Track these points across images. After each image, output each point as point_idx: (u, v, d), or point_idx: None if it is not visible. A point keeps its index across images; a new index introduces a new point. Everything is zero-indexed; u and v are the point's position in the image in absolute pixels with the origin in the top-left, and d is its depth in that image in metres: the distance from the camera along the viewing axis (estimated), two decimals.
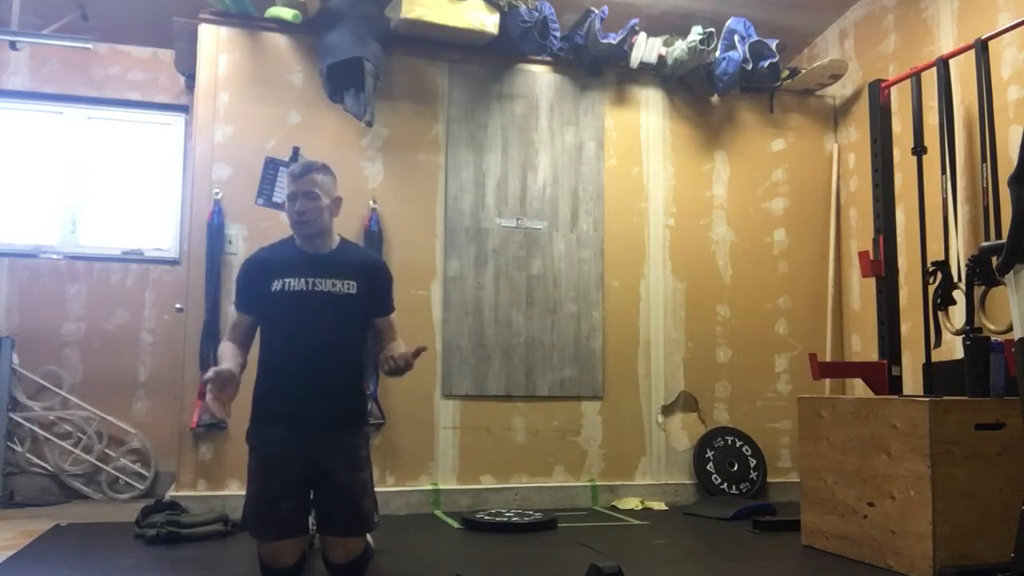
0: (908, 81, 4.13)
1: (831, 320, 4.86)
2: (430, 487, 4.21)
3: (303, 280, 2.70)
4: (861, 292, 4.76)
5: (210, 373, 2.52)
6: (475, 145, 4.50)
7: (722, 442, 4.64)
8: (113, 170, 4.99)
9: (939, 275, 3.68)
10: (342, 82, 4.13)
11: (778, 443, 4.77)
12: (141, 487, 4.67)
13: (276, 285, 2.69)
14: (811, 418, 3.41)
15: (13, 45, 4.55)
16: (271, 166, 4.20)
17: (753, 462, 4.65)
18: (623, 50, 4.60)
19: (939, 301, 3.67)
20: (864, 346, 4.72)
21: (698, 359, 4.71)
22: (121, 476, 4.67)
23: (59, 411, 4.66)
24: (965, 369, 3.16)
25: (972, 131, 3.93)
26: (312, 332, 2.67)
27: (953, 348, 3.77)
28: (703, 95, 4.85)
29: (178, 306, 4.23)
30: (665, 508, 4.42)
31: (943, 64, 3.93)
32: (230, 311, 4.06)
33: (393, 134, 4.38)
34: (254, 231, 4.15)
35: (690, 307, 4.73)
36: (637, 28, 4.62)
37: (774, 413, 4.78)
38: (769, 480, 4.68)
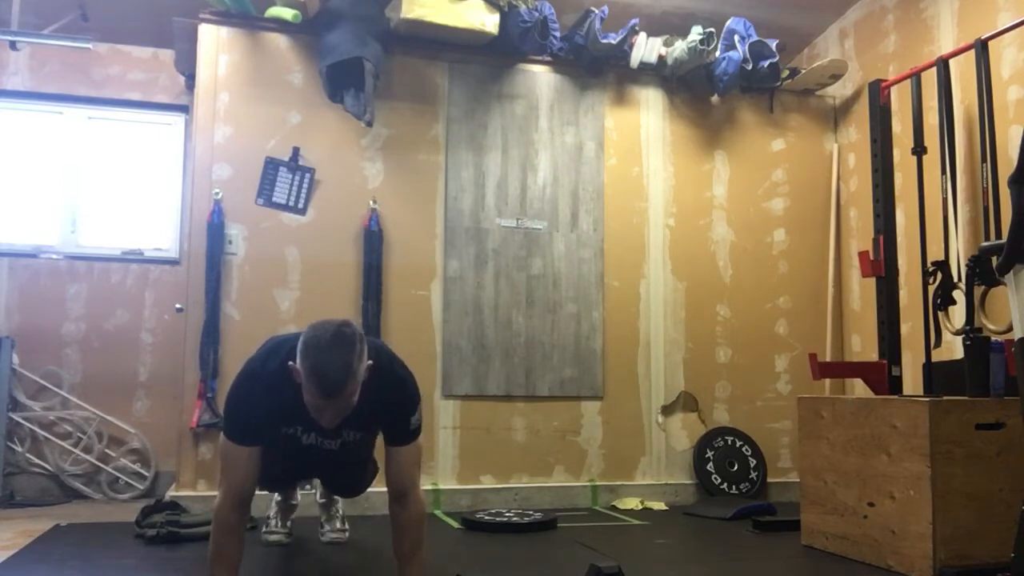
0: (908, 81, 4.13)
1: (831, 320, 4.86)
2: (430, 487, 4.21)
3: (313, 435, 2.49)
4: (861, 292, 4.76)
5: None
6: (475, 145, 4.50)
7: (722, 442, 4.64)
8: (113, 170, 4.99)
9: (939, 275, 3.68)
10: (342, 82, 4.13)
11: (778, 443, 4.77)
12: (141, 487, 4.67)
13: (285, 429, 2.46)
14: (811, 418, 3.41)
15: (13, 45, 4.55)
16: (271, 166, 4.20)
17: (753, 462, 4.65)
18: (623, 50, 4.60)
19: (939, 301, 3.67)
20: (864, 346, 4.72)
21: (698, 359, 4.71)
22: (121, 476, 4.67)
23: (59, 411, 4.65)
24: (965, 369, 3.16)
25: (972, 131, 3.93)
26: (316, 469, 2.74)
27: (953, 348, 3.77)
28: (703, 95, 4.85)
29: (178, 306, 4.24)
30: (665, 508, 4.42)
31: (943, 64, 3.93)
32: (229, 312, 4.09)
33: (393, 134, 4.38)
34: (254, 231, 4.16)
35: (690, 307, 4.73)
36: (637, 28, 4.62)
37: (774, 413, 4.78)
38: (769, 480, 4.68)
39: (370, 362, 2.25)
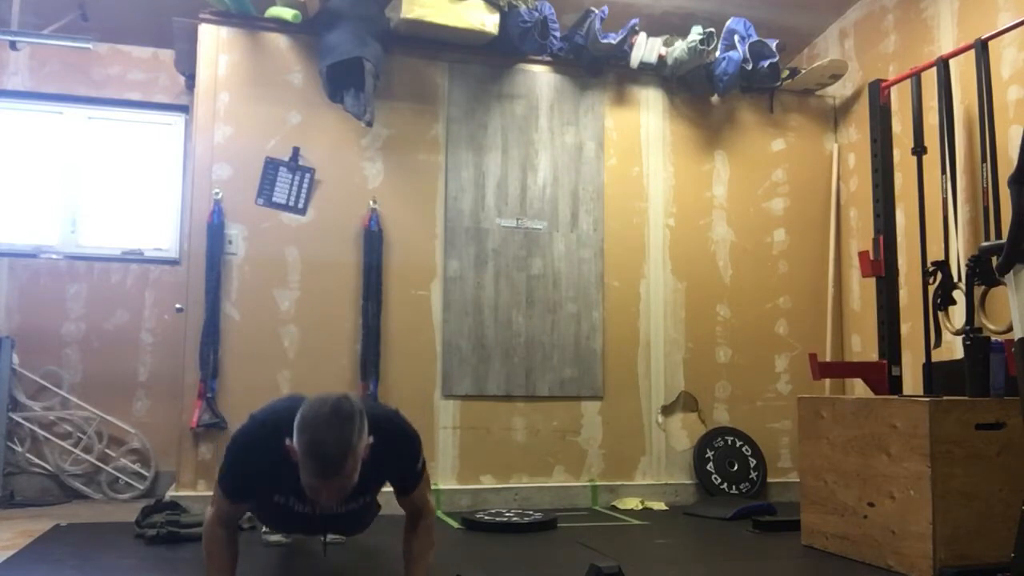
0: (908, 81, 4.13)
1: (831, 320, 4.86)
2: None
3: (309, 505, 2.32)
4: (861, 292, 4.76)
5: None
6: (475, 145, 4.50)
7: (722, 442, 4.64)
8: (113, 170, 4.99)
9: (939, 275, 3.68)
10: (342, 82, 4.13)
11: (778, 443, 4.77)
12: (141, 487, 4.67)
13: (278, 497, 2.37)
14: (811, 418, 3.41)
15: (13, 45, 4.55)
16: (271, 166, 4.20)
17: (753, 462, 4.65)
18: (623, 50, 4.60)
19: (939, 301, 3.67)
20: (864, 346, 4.72)
21: (698, 359, 4.71)
22: (121, 476, 4.67)
23: (59, 411, 4.65)
24: (965, 369, 3.16)
25: (972, 131, 3.93)
26: (317, 529, 2.63)
27: (953, 348, 3.77)
28: (703, 95, 4.85)
29: (178, 306, 4.24)
30: (665, 508, 4.42)
31: (943, 64, 3.93)
32: (229, 312, 4.09)
33: (393, 134, 4.38)
34: (254, 231, 4.16)
35: (690, 307, 4.73)
36: (637, 28, 4.62)
37: (774, 413, 4.78)
38: (769, 480, 4.68)
39: (371, 439, 2.13)
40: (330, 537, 3.29)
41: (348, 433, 2.03)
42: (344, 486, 2.08)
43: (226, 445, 2.36)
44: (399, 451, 2.34)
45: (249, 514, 3.35)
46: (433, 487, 4.21)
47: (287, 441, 2.09)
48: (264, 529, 3.36)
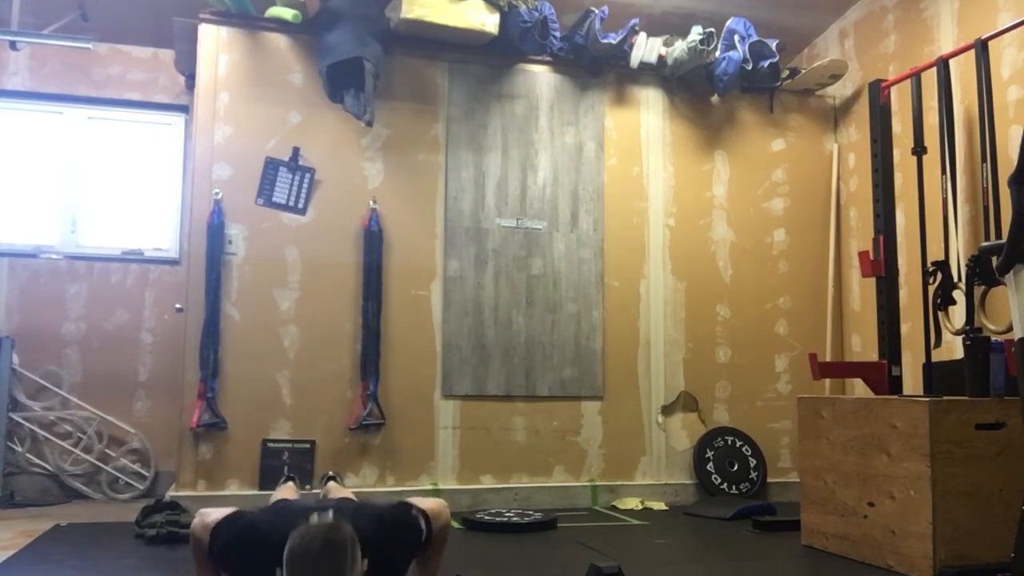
0: (908, 81, 4.13)
1: (831, 320, 4.86)
2: (430, 487, 4.21)
3: None
4: (861, 292, 4.76)
5: None
6: (475, 145, 4.50)
7: (722, 442, 4.64)
8: (113, 170, 4.99)
9: (939, 275, 3.68)
10: (342, 82, 4.13)
11: (778, 443, 4.77)
12: (141, 487, 4.67)
13: None
14: (811, 418, 3.41)
15: (13, 45, 4.55)
16: (271, 166, 4.20)
17: (753, 462, 4.65)
18: (623, 50, 4.60)
19: (939, 301, 3.67)
20: (864, 346, 4.72)
21: (698, 359, 4.71)
22: (121, 476, 4.67)
23: (59, 411, 4.65)
24: (965, 369, 3.16)
25: (972, 131, 3.93)
26: None
27: (953, 348, 3.77)
28: (703, 95, 4.85)
29: (178, 306, 4.24)
30: (665, 508, 4.42)
31: (943, 64, 3.92)
32: (229, 312, 4.09)
33: (393, 134, 4.38)
34: (254, 231, 4.16)
35: (690, 307, 4.73)
36: (637, 28, 4.62)
37: (774, 413, 4.78)
38: (769, 480, 4.68)
39: (365, 563, 2.01)
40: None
41: (342, 566, 1.92)
42: None
43: (231, 523, 2.20)
44: (403, 545, 2.28)
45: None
46: (433, 487, 4.21)
47: (278, 573, 1.98)
48: None
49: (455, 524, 3.82)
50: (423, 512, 2.35)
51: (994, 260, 2.61)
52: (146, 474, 4.71)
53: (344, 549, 1.94)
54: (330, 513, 2.05)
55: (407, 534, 2.31)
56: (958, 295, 3.63)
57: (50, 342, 4.71)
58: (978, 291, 3.45)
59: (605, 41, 4.48)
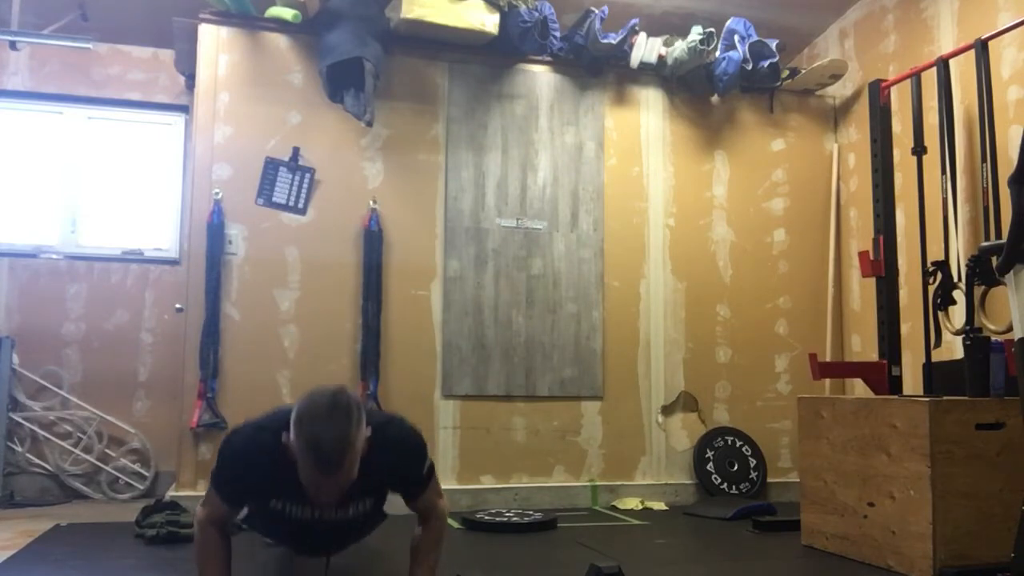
0: (908, 81, 4.13)
1: (831, 320, 4.86)
2: None
3: (308, 509, 2.28)
4: (861, 292, 4.76)
5: None
6: (475, 145, 4.50)
7: (722, 442, 4.64)
8: (113, 170, 4.99)
9: (939, 275, 3.68)
10: (342, 82, 4.13)
11: (778, 443, 4.77)
12: (141, 487, 4.67)
13: (275, 503, 2.29)
14: (811, 418, 3.41)
15: (13, 45, 4.55)
16: (271, 166, 4.20)
17: (753, 462, 4.65)
18: (623, 50, 4.60)
19: (939, 301, 3.67)
20: (864, 346, 4.72)
21: (698, 359, 4.71)
22: (121, 476, 4.67)
23: (59, 411, 4.65)
24: (965, 369, 3.16)
25: (972, 131, 3.93)
26: (318, 547, 2.50)
27: (953, 348, 3.77)
28: (703, 95, 4.85)
29: (178, 306, 4.24)
30: (665, 508, 4.42)
31: (943, 64, 3.92)
32: (229, 312, 4.09)
33: (393, 134, 4.38)
34: (254, 231, 4.16)
35: (690, 307, 4.73)
36: (637, 28, 4.62)
37: (774, 413, 4.78)
38: (769, 480, 4.68)
39: (369, 429, 2.11)
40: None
41: (346, 426, 2.00)
42: (343, 481, 2.05)
43: (220, 446, 2.30)
44: (401, 454, 2.30)
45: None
46: None
47: (284, 437, 2.07)
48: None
49: (455, 524, 3.83)
50: (434, 473, 2.37)
51: (994, 260, 2.61)
52: (146, 474, 4.71)
53: (350, 410, 2.02)
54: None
55: (409, 449, 2.32)
56: (958, 295, 3.63)
57: (50, 342, 4.71)
58: (978, 291, 3.45)
59: (605, 41, 4.48)
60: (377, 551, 3.21)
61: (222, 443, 2.30)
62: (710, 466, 4.58)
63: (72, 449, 4.62)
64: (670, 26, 4.84)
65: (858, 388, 4.53)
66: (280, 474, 2.11)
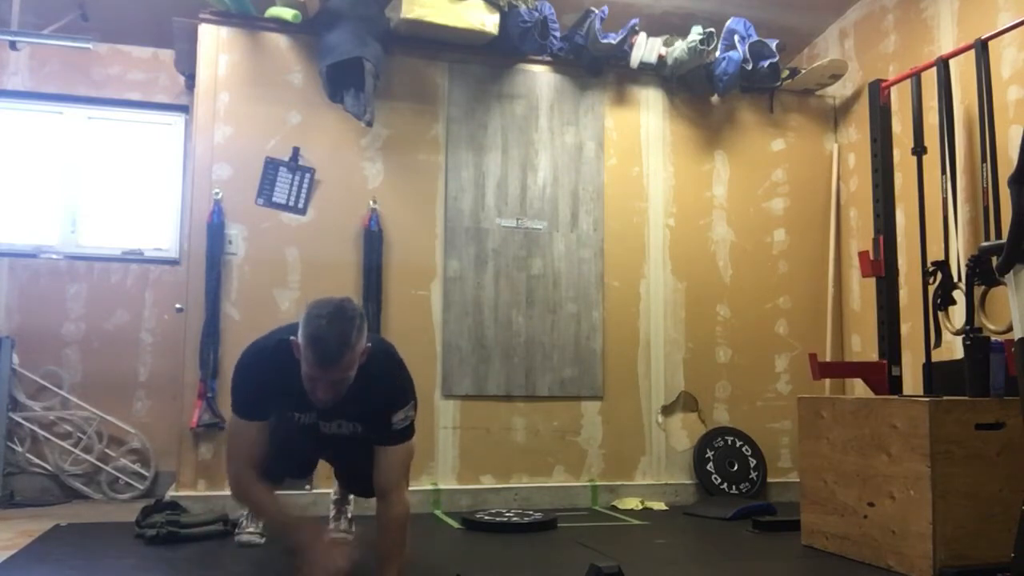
0: (908, 81, 4.13)
1: (831, 320, 4.86)
2: (430, 487, 4.21)
3: (310, 414, 2.49)
4: (861, 292, 4.76)
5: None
6: (475, 145, 4.50)
7: (722, 442, 4.64)
8: (113, 170, 4.99)
9: (939, 275, 3.68)
10: (342, 82, 4.13)
11: (778, 443, 4.77)
12: (141, 487, 4.67)
13: (284, 410, 2.51)
14: (811, 418, 3.41)
15: (13, 45, 4.55)
16: (271, 166, 4.20)
17: (753, 462, 4.65)
18: (623, 50, 4.60)
19: (939, 301, 3.67)
20: (864, 346, 4.72)
21: (698, 359, 4.71)
22: (121, 476, 4.67)
23: (59, 411, 4.65)
24: (965, 369, 3.16)
25: (972, 131, 3.93)
26: (318, 453, 2.74)
27: (953, 348, 3.77)
28: (703, 95, 4.85)
29: (178, 306, 4.23)
30: (665, 508, 4.42)
31: (943, 64, 3.93)
32: (229, 312, 4.08)
33: (393, 134, 4.38)
34: (254, 231, 4.16)
35: (690, 307, 4.73)
36: (637, 28, 4.62)
37: (774, 413, 4.78)
38: (769, 480, 4.68)
39: (368, 344, 2.31)
40: (337, 534, 3.25)
41: (349, 328, 2.22)
42: (341, 380, 2.25)
43: (234, 367, 2.50)
44: (392, 377, 2.50)
45: (228, 522, 3.35)
46: (433, 487, 4.21)
47: (292, 338, 2.28)
48: (237, 530, 3.35)
49: (455, 524, 3.83)
50: (413, 425, 2.54)
51: (994, 260, 2.61)
52: (146, 474, 4.71)
53: (354, 317, 2.25)
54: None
55: (399, 375, 2.54)
56: (958, 295, 3.63)
57: (50, 342, 4.71)
58: (978, 291, 3.45)
59: (605, 41, 4.49)
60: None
61: (236, 364, 2.51)
62: (710, 466, 4.58)
63: (72, 449, 4.62)
64: (670, 26, 4.84)
65: (858, 388, 4.53)
66: (288, 381, 2.32)
